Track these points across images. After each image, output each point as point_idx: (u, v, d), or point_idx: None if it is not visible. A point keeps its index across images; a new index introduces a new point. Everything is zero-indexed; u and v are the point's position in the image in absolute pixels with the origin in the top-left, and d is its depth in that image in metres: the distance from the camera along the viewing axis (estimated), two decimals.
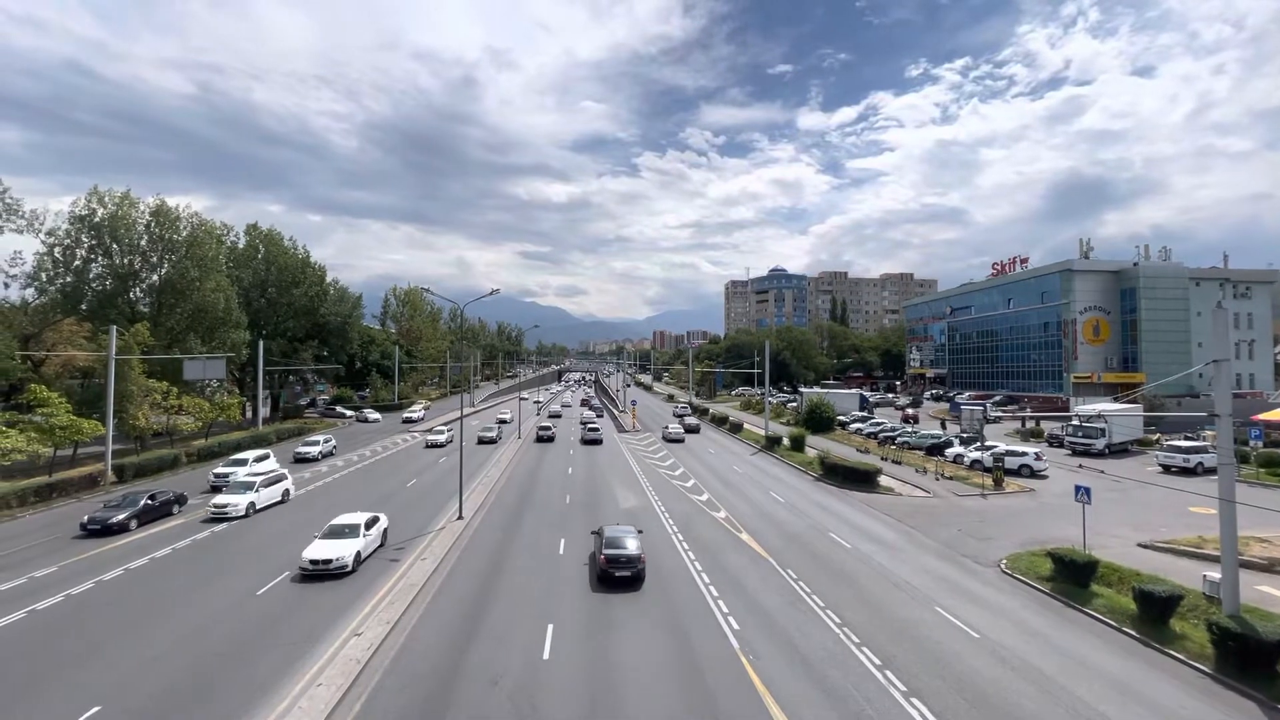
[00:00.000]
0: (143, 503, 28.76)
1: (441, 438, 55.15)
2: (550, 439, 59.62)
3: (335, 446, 50.73)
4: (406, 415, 75.06)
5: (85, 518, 27.40)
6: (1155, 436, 52.66)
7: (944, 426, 60.00)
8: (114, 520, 26.99)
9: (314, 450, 47.54)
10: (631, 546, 21.66)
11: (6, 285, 46.67)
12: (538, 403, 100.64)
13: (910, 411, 78.03)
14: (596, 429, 60.80)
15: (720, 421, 73.32)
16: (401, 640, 16.90)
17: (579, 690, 14.38)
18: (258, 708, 13.58)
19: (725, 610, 19.13)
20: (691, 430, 67.31)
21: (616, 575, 21.05)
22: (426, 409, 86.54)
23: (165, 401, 45.85)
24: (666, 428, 64.43)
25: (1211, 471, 36.47)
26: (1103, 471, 40.01)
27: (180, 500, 31.38)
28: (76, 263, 51.24)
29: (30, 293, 50.79)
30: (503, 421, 70.65)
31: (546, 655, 16.03)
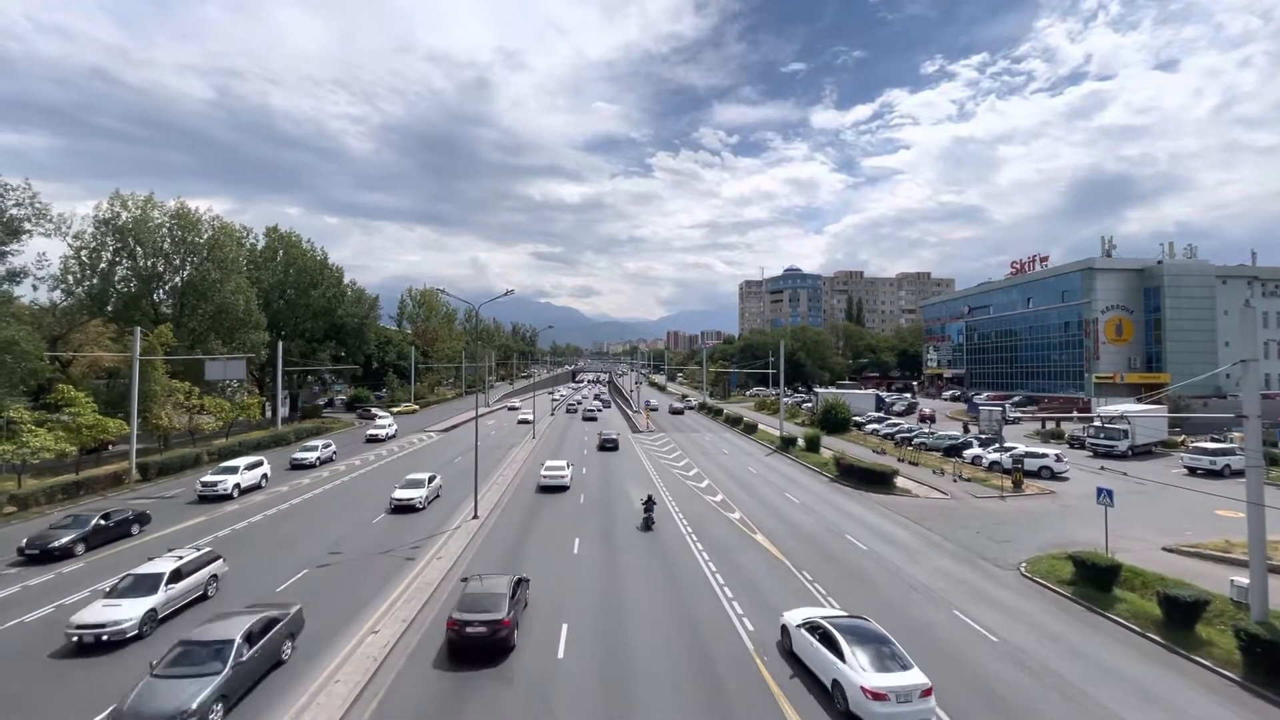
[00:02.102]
0: (93, 523, 24.86)
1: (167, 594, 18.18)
2: (576, 412, 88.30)
3: (335, 452, 47.65)
4: (370, 433, 58.90)
5: (24, 540, 23.64)
6: (1180, 438, 51.56)
7: (966, 429, 59.14)
8: (55, 544, 23.19)
9: (311, 456, 43.88)
10: (613, 434, 55.58)
11: (35, 288, 47.76)
12: (525, 421, 71.26)
13: (926, 411, 77.12)
14: (593, 409, 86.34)
15: (734, 422, 73.07)
16: (418, 638, 17.08)
17: (593, 689, 14.44)
18: (274, 705, 13.78)
19: (740, 612, 19.06)
20: (676, 412, 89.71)
21: (605, 446, 53.07)
22: (413, 412, 79.77)
23: (187, 401, 46.66)
24: (648, 401, 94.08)
25: (1239, 474, 35.53)
26: (1126, 474, 39.30)
27: (141, 519, 27.45)
28: (102, 265, 52.35)
29: (58, 295, 52.03)
30: (403, 507, 31.05)
31: (561, 654, 16.09)
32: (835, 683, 13.86)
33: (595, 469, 44.35)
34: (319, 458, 44.68)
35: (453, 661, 15.60)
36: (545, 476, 37.01)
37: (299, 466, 43.31)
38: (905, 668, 13.65)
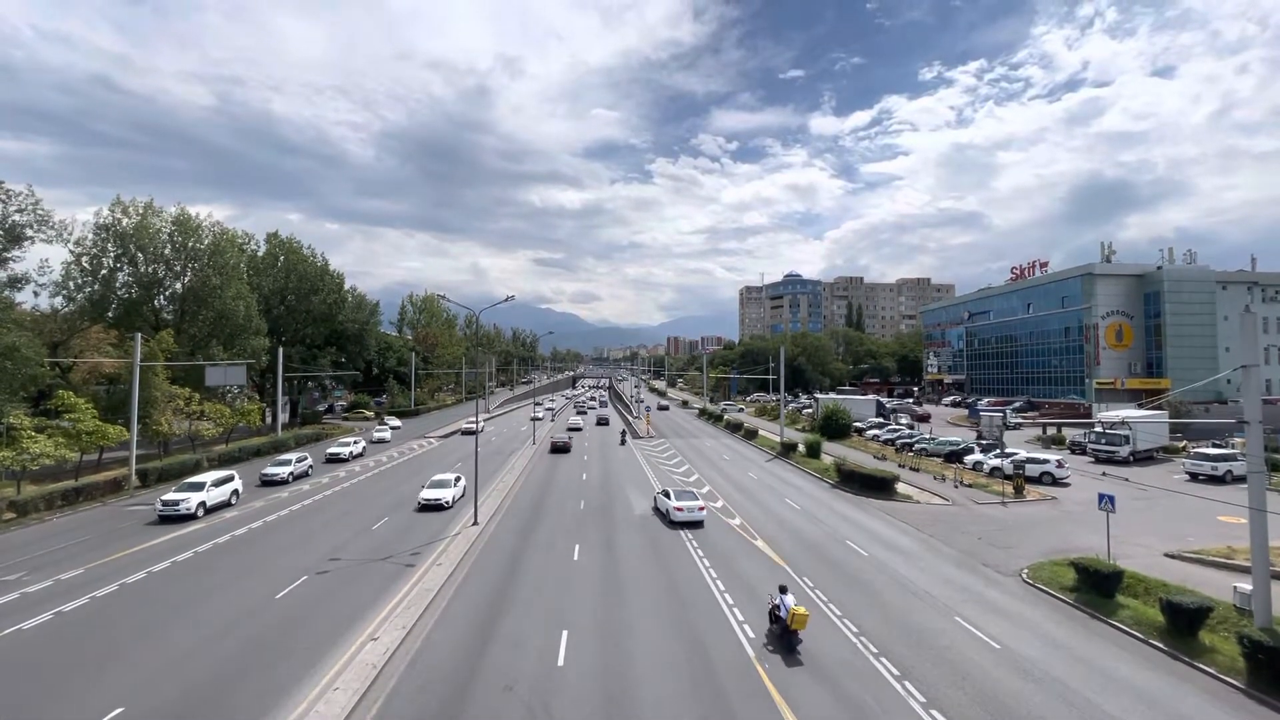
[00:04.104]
0: None
1: None
2: (584, 414, 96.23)
3: (310, 466, 44.27)
4: (332, 451, 50.26)
5: None
6: (1182, 444, 51.45)
7: (980, 436, 58.78)
8: None
9: (283, 471, 40.24)
10: (604, 415, 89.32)
11: (36, 294, 47.87)
12: (434, 505, 32.98)
13: (920, 412, 76.81)
14: (589, 407, 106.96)
15: (735, 428, 73.01)
16: (417, 645, 17.00)
17: (594, 693, 14.36)
18: (273, 710, 13.71)
19: (741, 619, 18.97)
20: (663, 409, 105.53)
21: (600, 422, 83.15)
22: (396, 429, 69.32)
23: (188, 407, 46.68)
24: (643, 402, 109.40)
25: (1241, 480, 35.46)
26: (1127, 479, 39.12)
27: None
28: (103, 271, 52.52)
29: (59, 301, 52.12)
30: None
31: (561, 661, 16.01)
32: (667, 510, 30.43)
33: (595, 435, 69.96)
34: (291, 473, 40.94)
35: (552, 455, 54.41)
36: (570, 423, 75.60)
37: (269, 483, 39.65)
38: (694, 500, 30.77)
